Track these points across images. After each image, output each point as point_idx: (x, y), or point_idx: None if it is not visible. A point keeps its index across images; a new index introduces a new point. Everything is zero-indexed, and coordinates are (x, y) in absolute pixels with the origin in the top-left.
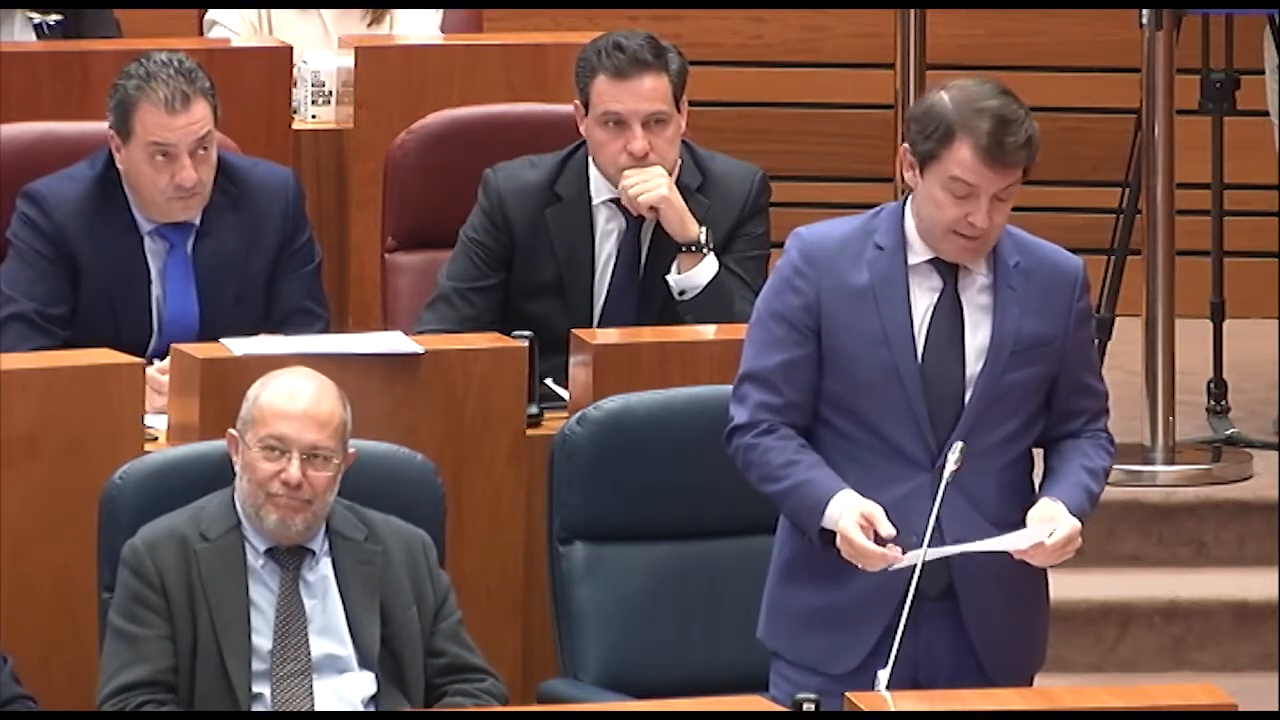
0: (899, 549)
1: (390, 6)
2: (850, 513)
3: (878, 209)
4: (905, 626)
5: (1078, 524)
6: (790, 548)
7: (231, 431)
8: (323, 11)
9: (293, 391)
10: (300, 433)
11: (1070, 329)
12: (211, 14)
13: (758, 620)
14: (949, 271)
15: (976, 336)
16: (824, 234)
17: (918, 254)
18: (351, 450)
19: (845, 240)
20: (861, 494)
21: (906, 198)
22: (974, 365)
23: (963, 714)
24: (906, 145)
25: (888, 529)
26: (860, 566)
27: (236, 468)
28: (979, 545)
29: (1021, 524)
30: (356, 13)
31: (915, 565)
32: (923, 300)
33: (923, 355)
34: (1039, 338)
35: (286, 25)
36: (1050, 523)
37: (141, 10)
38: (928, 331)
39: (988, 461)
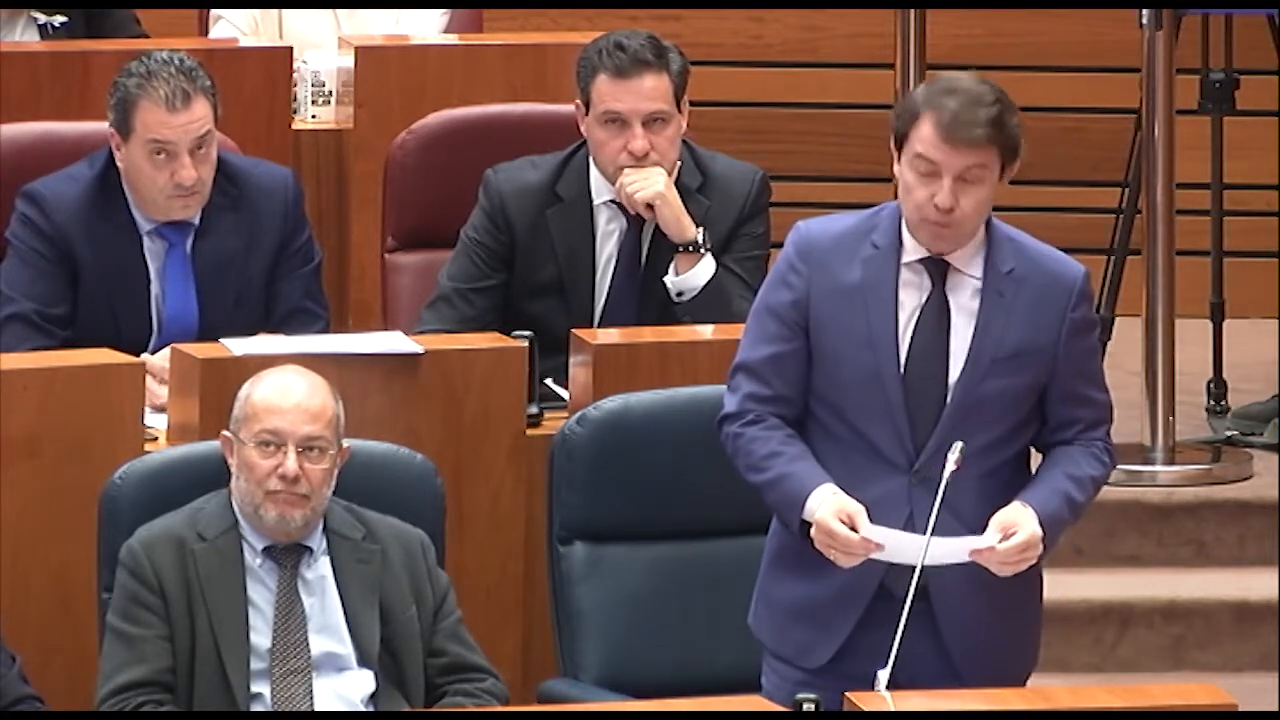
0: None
1: (394, 7)
2: (828, 505)
3: (880, 207)
4: (887, 624)
5: (1038, 531)
6: (779, 539)
7: (225, 433)
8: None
9: (284, 387)
10: (294, 425)
11: (1063, 338)
12: (218, 10)
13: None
14: (938, 272)
15: (961, 342)
16: (824, 230)
17: (910, 253)
18: (346, 446)
19: (843, 237)
20: (841, 491)
21: None
22: (956, 371)
23: (963, 714)
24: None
25: (868, 528)
26: (834, 560)
27: (232, 469)
28: (935, 553)
29: None
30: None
31: (887, 560)
32: (910, 301)
33: (906, 359)
34: (1024, 346)
35: (299, 20)
36: (1010, 527)
37: (144, 10)
38: (913, 334)
39: (967, 468)
